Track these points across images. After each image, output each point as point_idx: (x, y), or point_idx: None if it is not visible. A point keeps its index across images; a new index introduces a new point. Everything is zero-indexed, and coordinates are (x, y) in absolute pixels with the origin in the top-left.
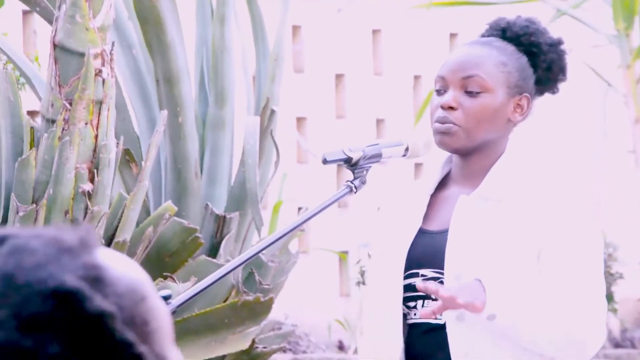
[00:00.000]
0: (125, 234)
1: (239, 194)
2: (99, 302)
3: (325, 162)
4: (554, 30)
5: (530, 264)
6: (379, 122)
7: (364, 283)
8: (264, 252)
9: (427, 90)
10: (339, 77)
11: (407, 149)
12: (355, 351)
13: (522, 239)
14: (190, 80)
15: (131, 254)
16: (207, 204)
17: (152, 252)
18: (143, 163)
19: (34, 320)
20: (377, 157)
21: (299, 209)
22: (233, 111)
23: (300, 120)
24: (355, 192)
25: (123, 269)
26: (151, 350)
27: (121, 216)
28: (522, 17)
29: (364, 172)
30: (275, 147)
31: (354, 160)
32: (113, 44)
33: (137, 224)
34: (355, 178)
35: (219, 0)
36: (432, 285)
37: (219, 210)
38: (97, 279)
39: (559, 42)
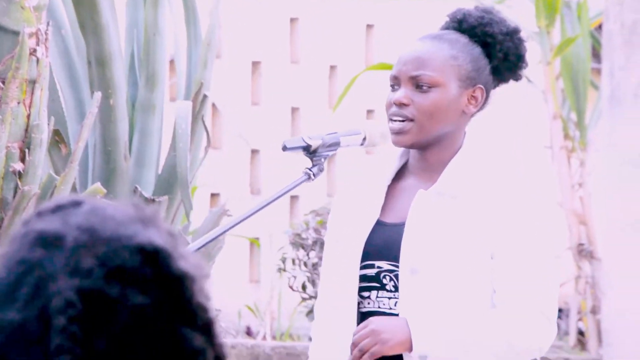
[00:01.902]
0: None
1: (168, 178)
2: (184, 264)
3: (285, 149)
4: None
5: (483, 261)
6: (294, 110)
7: (284, 270)
8: (189, 237)
9: (342, 80)
10: (255, 64)
11: (364, 139)
12: (264, 337)
13: (476, 235)
14: (124, 62)
15: None
16: (135, 187)
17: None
18: (74, 144)
19: (121, 271)
20: (335, 145)
21: (212, 194)
22: (163, 95)
23: (215, 106)
24: (313, 179)
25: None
26: None
27: (51, 197)
28: (479, 7)
29: (322, 160)
30: (206, 132)
31: (312, 148)
32: (48, 23)
33: None
34: (313, 165)
35: None
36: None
37: (148, 194)
38: (176, 246)
39: (516, 31)
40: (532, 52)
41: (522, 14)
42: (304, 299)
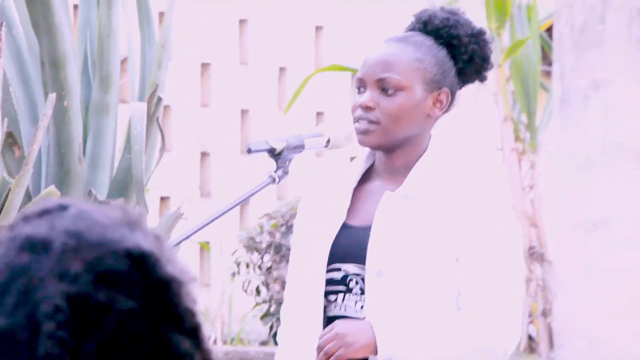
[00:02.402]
0: (9, 218)
1: (123, 180)
2: (171, 268)
3: (249, 151)
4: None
5: (449, 263)
6: (244, 112)
7: (238, 273)
8: None
9: (292, 82)
10: (204, 65)
11: (328, 141)
12: (215, 342)
13: (442, 238)
14: (76, 63)
15: None
16: (90, 190)
17: None
18: (27, 146)
19: (109, 276)
20: (300, 147)
21: (161, 198)
22: (117, 96)
23: (166, 107)
24: (277, 182)
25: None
26: None
27: (5, 200)
28: (445, 8)
29: (287, 162)
30: (161, 134)
31: (277, 151)
32: (2, 23)
33: (19, 208)
34: (278, 168)
35: None
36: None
37: (102, 196)
38: (162, 250)
39: (481, 33)
40: None
41: (472, 16)
42: (257, 303)
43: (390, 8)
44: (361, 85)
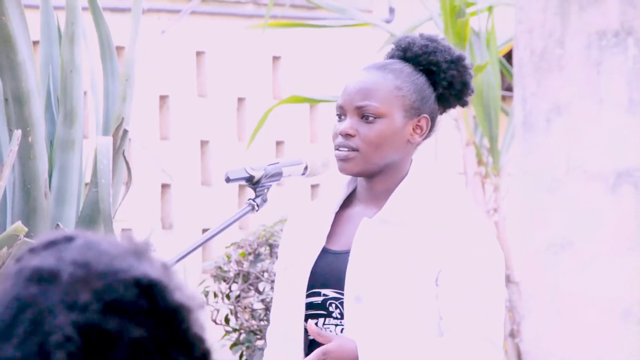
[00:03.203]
0: None
1: (90, 214)
2: (179, 296)
3: (228, 180)
4: (384, 53)
5: (427, 289)
6: (203, 143)
7: (207, 303)
8: None
9: (250, 112)
10: (163, 98)
11: (306, 168)
12: None
13: (421, 263)
14: (40, 99)
15: None
16: (57, 224)
17: (3, 273)
18: None
19: (118, 305)
20: (277, 175)
21: (122, 230)
22: (82, 131)
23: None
24: (257, 210)
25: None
26: None
27: None
28: (424, 35)
29: (265, 190)
30: (127, 167)
31: (255, 179)
32: None
33: None
34: (257, 196)
35: (68, 18)
36: (318, 334)
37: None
38: (170, 278)
39: (460, 58)
40: None
41: None
42: (227, 332)
43: (346, 38)
44: (341, 112)
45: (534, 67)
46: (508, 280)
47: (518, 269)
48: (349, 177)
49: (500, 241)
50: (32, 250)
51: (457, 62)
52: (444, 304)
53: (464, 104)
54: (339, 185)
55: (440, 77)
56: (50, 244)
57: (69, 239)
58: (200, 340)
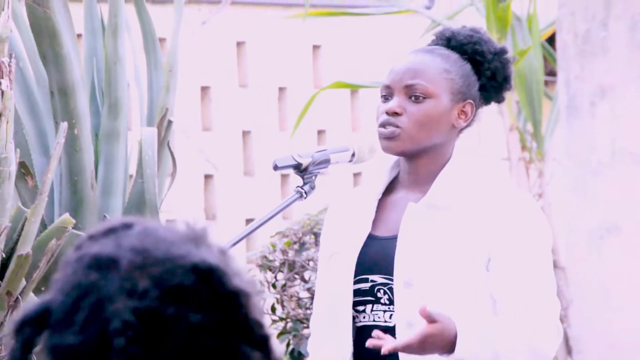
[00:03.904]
0: (26, 247)
1: (136, 205)
2: (238, 281)
3: (276, 168)
4: (427, 40)
5: (477, 272)
6: (245, 133)
7: None
8: None
9: (291, 102)
10: (204, 89)
11: (353, 155)
12: None
13: (470, 246)
14: (85, 92)
15: (34, 267)
16: (104, 216)
17: (54, 265)
18: (39, 175)
19: (176, 291)
20: (325, 162)
21: (166, 221)
22: (126, 122)
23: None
24: (305, 198)
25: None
26: None
27: (21, 230)
28: (466, 27)
29: (313, 177)
30: (172, 158)
31: (303, 166)
32: (11, 55)
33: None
34: (304, 184)
35: (111, 11)
36: (387, 345)
37: None
38: (228, 263)
39: (503, 51)
40: None
41: None
42: (274, 321)
43: (387, 25)
44: (387, 93)
45: (577, 50)
46: (554, 265)
47: (564, 255)
48: (391, 163)
49: None
50: (92, 238)
51: (501, 55)
52: (498, 285)
53: (501, 99)
54: (381, 171)
55: (484, 67)
56: (109, 231)
57: (127, 226)
58: (259, 325)
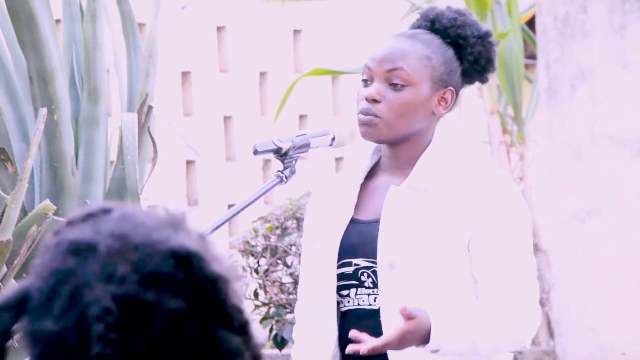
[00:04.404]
0: (7, 234)
1: (117, 191)
2: (217, 266)
3: (256, 152)
4: (407, 24)
5: (459, 252)
6: (226, 119)
7: None
8: None
9: (272, 87)
10: (185, 74)
11: (333, 139)
12: None
13: (452, 227)
14: (64, 77)
15: (14, 253)
16: (85, 202)
17: (34, 251)
18: (19, 162)
19: (155, 276)
20: (305, 147)
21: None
22: (106, 108)
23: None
24: (285, 182)
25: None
26: None
27: (2, 216)
28: (452, 8)
29: (293, 162)
30: (153, 144)
31: (283, 151)
32: None
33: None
34: (285, 168)
35: None
36: (367, 344)
37: None
38: (207, 249)
39: (487, 34)
40: None
41: None
42: (257, 307)
43: (367, 9)
44: (368, 77)
45: (557, 33)
46: (535, 248)
47: (545, 238)
48: (373, 148)
49: None
50: (70, 223)
51: (484, 38)
52: (479, 268)
53: (484, 80)
54: (363, 156)
55: (467, 51)
56: (88, 217)
57: (106, 211)
58: (238, 311)
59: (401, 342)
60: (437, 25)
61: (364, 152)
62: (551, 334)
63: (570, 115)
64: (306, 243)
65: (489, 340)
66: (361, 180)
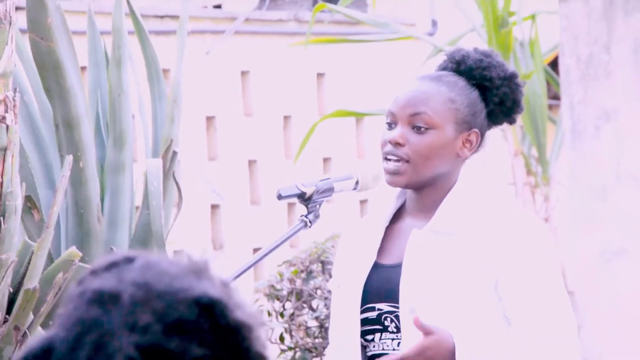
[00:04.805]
0: (33, 282)
1: (142, 237)
2: (240, 314)
3: (280, 197)
4: (430, 67)
5: (485, 295)
6: (251, 162)
7: None
8: None
9: (296, 130)
10: (209, 119)
11: (357, 182)
12: None
13: (476, 269)
14: (89, 124)
15: (41, 301)
16: (111, 248)
17: (61, 299)
18: (45, 209)
19: (179, 325)
20: (329, 191)
21: (174, 252)
22: (132, 154)
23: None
24: (310, 227)
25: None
26: None
27: (28, 264)
28: (478, 49)
29: (317, 206)
30: (178, 189)
31: (307, 195)
32: (16, 89)
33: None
34: (309, 212)
35: (115, 43)
36: (421, 325)
37: None
38: (230, 296)
39: (513, 76)
40: None
41: None
42: (282, 351)
43: (390, 52)
44: (392, 120)
45: (580, 74)
46: None
47: (571, 279)
48: (398, 190)
49: None
50: (94, 272)
51: (510, 79)
52: (512, 308)
53: (512, 121)
54: (388, 199)
55: (493, 93)
56: (111, 266)
57: (129, 260)
58: (261, 358)
59: (420, 356)
60: (462, 67)
61: (390, 195)
62: None
63: (594, 156)
64: (333, 287)
65: None
66: (386, 224)
